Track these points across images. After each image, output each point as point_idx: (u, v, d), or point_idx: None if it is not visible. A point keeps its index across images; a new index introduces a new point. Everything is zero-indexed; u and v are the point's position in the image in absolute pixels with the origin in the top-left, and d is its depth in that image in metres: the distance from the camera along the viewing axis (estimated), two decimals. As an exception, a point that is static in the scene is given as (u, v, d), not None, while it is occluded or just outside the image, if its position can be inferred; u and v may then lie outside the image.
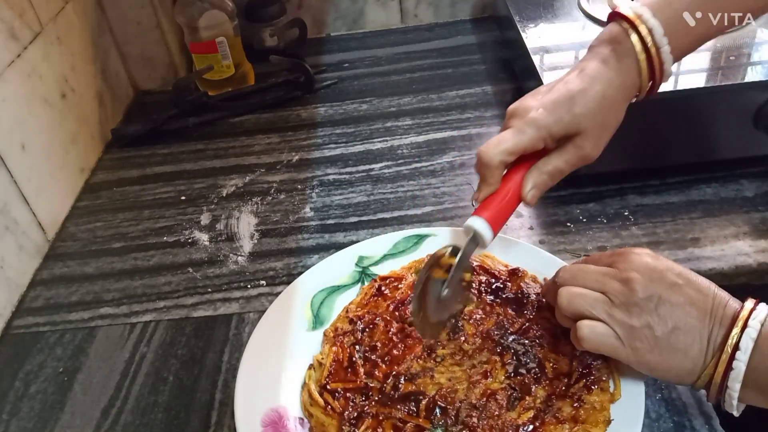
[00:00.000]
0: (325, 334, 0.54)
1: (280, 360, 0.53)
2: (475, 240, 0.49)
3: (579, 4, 0.81)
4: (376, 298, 0.56)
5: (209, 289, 0.64)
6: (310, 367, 0.52)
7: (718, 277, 0.58)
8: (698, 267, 0.58)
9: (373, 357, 0.50)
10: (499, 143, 0.49)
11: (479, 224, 0.48)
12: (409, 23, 1.09)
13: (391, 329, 0.52)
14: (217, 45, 0.91)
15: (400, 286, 0.56)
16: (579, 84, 0.49)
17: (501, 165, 0.49)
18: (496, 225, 0.49)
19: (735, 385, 0.40)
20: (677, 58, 0.50)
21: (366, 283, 0.59)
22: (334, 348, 0.52)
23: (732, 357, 0.40)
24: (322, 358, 0.52)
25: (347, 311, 0.56)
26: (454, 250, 0.50)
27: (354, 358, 0.50)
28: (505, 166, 0.50)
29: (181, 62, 1.00)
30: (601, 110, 0.49)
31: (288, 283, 0.60)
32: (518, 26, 0.79)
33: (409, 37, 1.06)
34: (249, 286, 0.64)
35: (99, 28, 0.91)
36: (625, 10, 0.49)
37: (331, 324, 0.55)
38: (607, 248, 0.62)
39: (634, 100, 0.52)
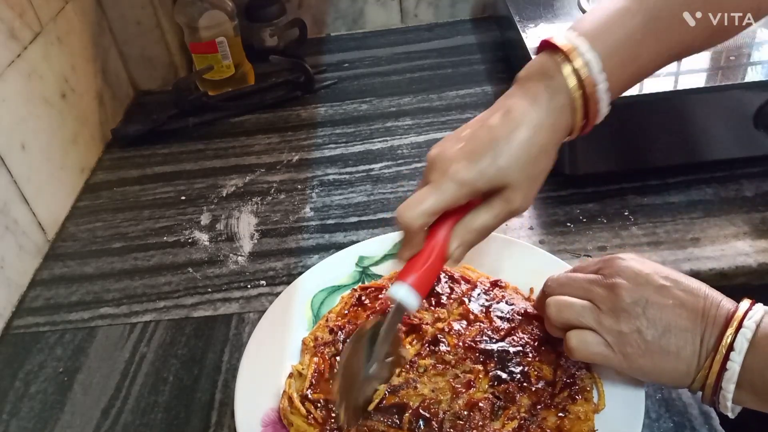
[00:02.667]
0: (304, 343, 0.53)
1: (280, 360, 0.53)
2: (401, 308, 0.46)
3: (579, 4, 0.81)
4: (356, 308, 0.55)
5: (209, 289, 0.64)
6: (290, 375, 0.51)
7: (718, 277, 0.58)
8: (698, 267, 0.58)
9: None
10: (418, 204, 0.44)
11: (403, 293, 0.45)
12: (409, 23, 1.09)
13: None
14: (217, 45, 0.91)
15: (380, 296, 0.56)
16: (503, 129, 0.44)
17: (421, 227, 0.45)
18: (423, 288, 0.46)
19: (729, 386, 0.40)
20: (615, 95, 0.45)
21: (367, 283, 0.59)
22: (315, 359, 0.51)
23: (726, 357, 0.40)
24: (303, 369, 0.51)
25: (327, 320, 0.55)
26: (378, 323, 0.48)
27: (335, 370, 0.50)
28: (426, 226, 0.45)
29: (181, 62, 1.00)
30: (529, 159, 0.44)
31: (288, 283, 0.60)
32: (518, 26, 0.79)
33: (409, 37, 1.06)
34: (249, 286, 0.64)
35: (99, 28, 0.91)
36: (559, 39, 0.44)
37: (310, 333, 0.54)
38: (607, 248, 0.62)
39: (566, 140, 0.47)
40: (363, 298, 0.56)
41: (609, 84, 0.44)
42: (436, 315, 0.53)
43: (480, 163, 0.44)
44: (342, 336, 0.52)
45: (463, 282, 0.56)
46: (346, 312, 0.55)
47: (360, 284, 0.58)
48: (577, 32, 0.44)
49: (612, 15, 0.45)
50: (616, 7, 0.45)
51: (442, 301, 0.54)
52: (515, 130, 0.44)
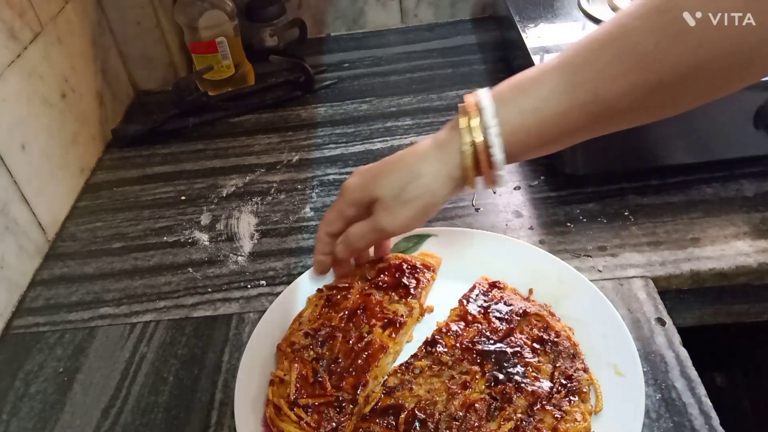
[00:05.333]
0: (279, 348, 0.53)
1: (280, 360, 0.53)
2: None
3: (579, 4, 0.81)
4: (327, 309, 0.55)
5: (209, 289, 0.64)
6: (272, 383, 0.51)
7: (718, 277, 0.58)
8: (698, 267, 0.58)
9: (338, 370, 0.50)
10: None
11: None
12: (409, 23, 1.09)
13: (351, 339, 0.51)
14: (217, 45, 0.91)
15: (349, 295, 0.55)
16: (404, 152, 0.51)
17: (325, 236, 0.54)
18: None
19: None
20: (514, 158, 0.47)
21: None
22: (295, 364, 0.51)
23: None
24: (284, 375, 0.50)
25: (300, 324, 0.55)
26: None
27: (319, 373, 0.49)
28: (334, 236, 0.54)
29: (181, 62, 1.00)
30: (400, 182, 0.49)
31: (288, 283, 0.60)
32: (518, 26, 0.79)
33: (409, 37, 1.06)
34: (249, 286, 0.64)
35: (99, 28, 0.91)
36: (473, 96, 0.47)
37: (284, 338, 0.54)
38: (607, 248, 0.62)
39: (468, 190, 0.50)
40: (332, 298, 0.56)
41: (509, 147, 0.46)
42: (408, 306, 0.54)
43: (364, 175, 0.51)
44: (320, 339, 0.52)
45: (426, 270, 0.57)
46: (318, 315, 0.55)
47: (325, 284, 0.58)
48: (498, 88, 0.47)
49: (530, 79, 0.46)
50: (536, 73, 0.46)
51: (411, 291, 0.55)
52: (408, 155, 0.50)
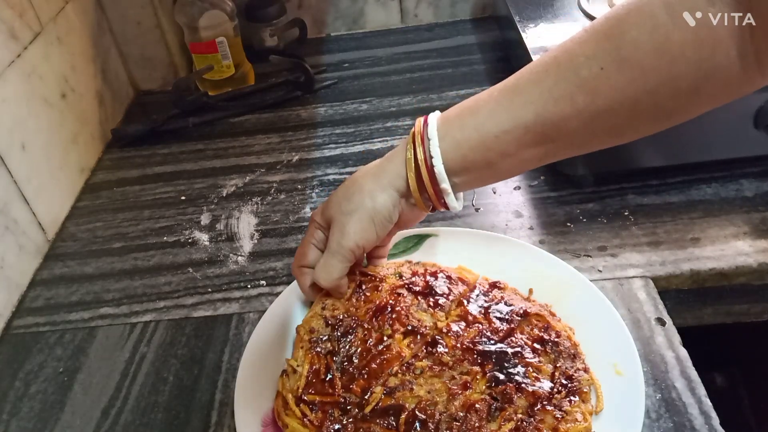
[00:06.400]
0: (297, 331, 0.52)
1: (280, 360, 0.53)
2: None
3: (579, 4, 0.81)
4: (355, 296, 0.54)
5: (209, 289, 0.64)
6: (283, 373, 0.50)
7: (718, 277, 0.58)
8: (698, 267, 0.58)
9: (351, 369, 0.49)
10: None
11: None
12: (409, 23, 1.09)
13: (370, 340, 0.51)
14: (217, 45, 0.91)
15: (381, 287, 0.54)
16: (357, 171, 0.52)
17: (298, 269, 0.54)
18: None
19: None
20: (463, 178, 0.48)
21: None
22: (309, 355, 0.50)
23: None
24: (298, 365, 0.50)
25: (323, 307, 0.54)
26: None
27: (331, 371, 0.49)
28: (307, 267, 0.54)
29: (181, 62, 1.00)
30: (345, 195, 0.50)
31: (288, 283, 0.60)
32: (518, 26, 0.79)
33: (409, 37, 1.06)
34: (249, 286, 0.64)
35: (99, 28, 0.91)
36: (426, 119, 0.48)
37: (304, 320, 0.53)
38: (607, 248, 0.62)
39: (421, 208, 0.50)
40: (363, 286, 0.55)
41: (450, 160, 0.47)
42: (435, 318, 0.53)
43: (324, 202, 0.53)
44: (338, 333, 0.52)
45: (460, 283, 0.56)
46: (345, 300, 0.54)
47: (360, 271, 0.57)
48: (450, 111, 0.48)
49: (476, 100, 0.48)
50: (482, 95, 0.48)
51: (440, 302, 0.54)
52: (354, 174, 0.52)
